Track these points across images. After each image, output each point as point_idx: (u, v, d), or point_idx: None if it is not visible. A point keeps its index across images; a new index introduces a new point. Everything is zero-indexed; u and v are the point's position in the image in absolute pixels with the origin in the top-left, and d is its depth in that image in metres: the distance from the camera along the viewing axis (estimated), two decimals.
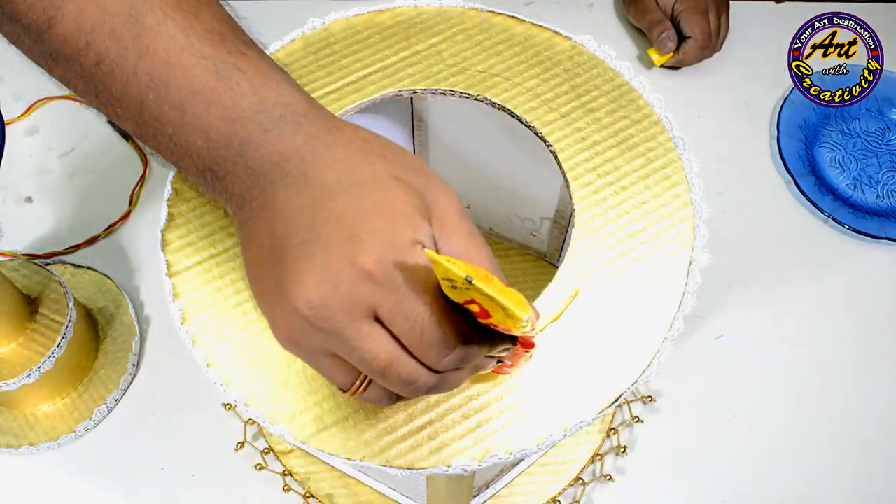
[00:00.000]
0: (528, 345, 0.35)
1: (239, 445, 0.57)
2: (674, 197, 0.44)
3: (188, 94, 0.32)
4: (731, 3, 0.76)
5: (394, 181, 0.30)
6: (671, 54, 0.72)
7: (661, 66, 0.74)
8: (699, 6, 0.71)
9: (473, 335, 0.30)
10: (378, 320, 0.29)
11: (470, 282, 0.26)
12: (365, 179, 0.30)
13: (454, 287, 0.28)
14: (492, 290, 0.26)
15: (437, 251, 0.30)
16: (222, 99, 0.32)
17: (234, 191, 0.32)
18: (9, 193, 0.69)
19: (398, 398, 0.33)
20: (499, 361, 0.36)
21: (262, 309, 0.32)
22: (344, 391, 0.32)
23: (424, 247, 0.29)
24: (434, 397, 0.38)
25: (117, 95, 0.33)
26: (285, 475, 0.56)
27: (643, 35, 0.76)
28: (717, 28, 0.73)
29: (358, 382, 0.32)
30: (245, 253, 0.32)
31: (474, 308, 0.29)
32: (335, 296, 0.28)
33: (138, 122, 0.33)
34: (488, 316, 0.29)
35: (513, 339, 0.32)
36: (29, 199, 0.69)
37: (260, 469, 0.56)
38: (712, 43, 0.73)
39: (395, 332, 0.29)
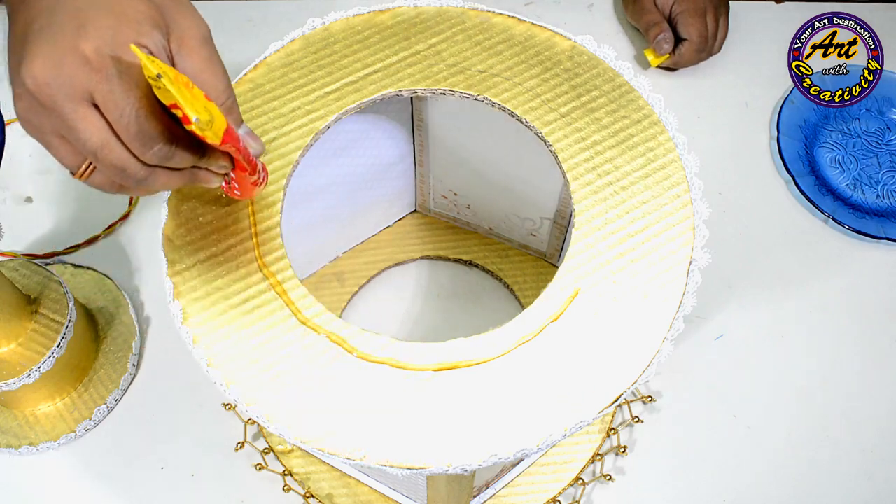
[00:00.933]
0: (243, 168, 0.36)
1: (239, 445, 0.57)
2: (674, 197, 0.44)
3: None
4: (730, 3, 0.76)
5: None
6: (667, 56, 0.72)
7: (658, 67, 0.74)
8: (697, 8, 0.71)
9: (182, 139, 0.34)
10: (96, 107, 0.32)
11: (159, 77, 0.30)
12: None
13: (159, 88, 0.31)
14: (174, 88, 0.30)
15: (173, 66, 0.34)
16: None
17: None
18: (9, 193, 0.69)
19: (120, 188, 0.36)
20: (227, 183, 0.38)
21: (12, 85, 0.34)
22: (73, 174, 0.35)
23: (149, 50, 0.33)
24: (431, 395, 0.38)
25: None
26: (285, 475, 0.56)
27: (643, 35, 0.76)
28: (715, 31, 0.73)
29: (84, 166, 0.34)
30: (8, 43, 0.35)
31: (178, 112, 0.31)
32: (58, 76, 0.31)
33: None
34: (189, 122, 0.31)
35: (231, 159, 0.35)
36: (29, 199, 0.69)
37: (260, 469, 0.57)
38: (709, 46, 0.73)
39: (109, 118, 0.32)
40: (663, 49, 0.72)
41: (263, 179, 0.39)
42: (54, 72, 0.31)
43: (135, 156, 0.33)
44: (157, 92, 0.32)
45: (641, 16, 0.74)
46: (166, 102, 0.32)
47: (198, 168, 0.36)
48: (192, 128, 0.31)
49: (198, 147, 0.34)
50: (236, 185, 0.38)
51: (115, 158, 0.33)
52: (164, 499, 0.57)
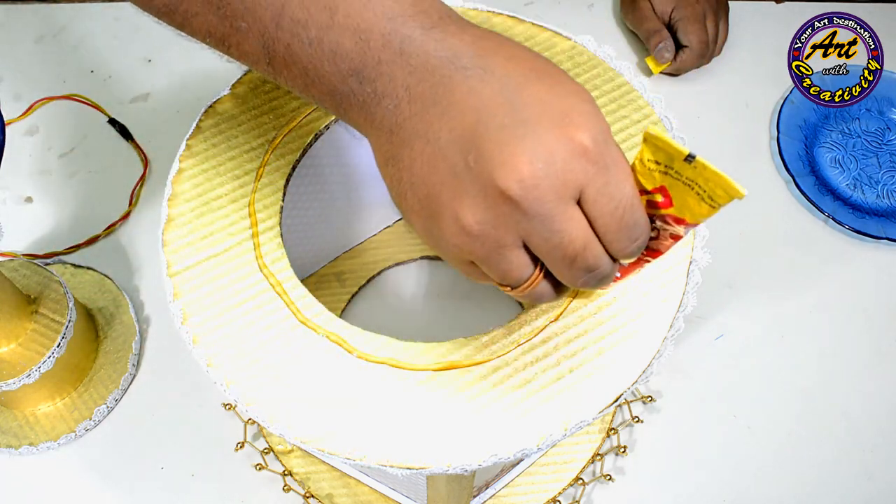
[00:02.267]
0: (657, 253, 0.34)
1: (239, 445, 0.57)
2: None
3: None
4: (730, 3, 0.76)
5: (571, 79, 0.31)
6: (668, 63, 0.73)
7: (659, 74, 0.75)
8: (696, 14, 0.71)
9: (650, 226, 0.31)
10: (578, 203, 0.29)
11: (692, 158, 0.28)
12: (550, 73, 0.30)
13: (651, 171, 0.29)
14: (713, 166, 0.28)
15: None
16: None
17: (387, 91, 0.30)
18: (9, 193, 0.69)
19: (559, 295, 0.33)
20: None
21: (428, 208, 0.30)
22: (513, 287, 0.32)
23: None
24: (431, 395, 0.38)
25: (252, 3, 0.32)
26: (285, 475, 0.56)
27: (643, 43, 0.76)
28: (715, 36, 0.73)
29: (536, 273, 0.31)
30: (403, 153, 0.31)
31: (657, 197, 0.30)
32: (550, 174, 0.28)
33: (270, 29, 0.32)
34: (671, 205, 0.30)
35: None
36: (29, 199, 0.69)
37: (260, 469, 0.57)
38: (709, 51, 0.73)
39: (596, 212, 0.29)
40: (664, 57, 0.72)
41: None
42: (545, 169, 0.28)
43: (607, 252, 0.30)
44: (644, 176, 0.30)
45: (641, 23, 0.74)
46: (649, 187, 0.30)
47: None
48: (671, 212, 0.30)
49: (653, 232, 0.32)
50: (618, 273, 0.35)
51: (593, 258, 0.30)
52: (164, 499, 0.57)
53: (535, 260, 0.31)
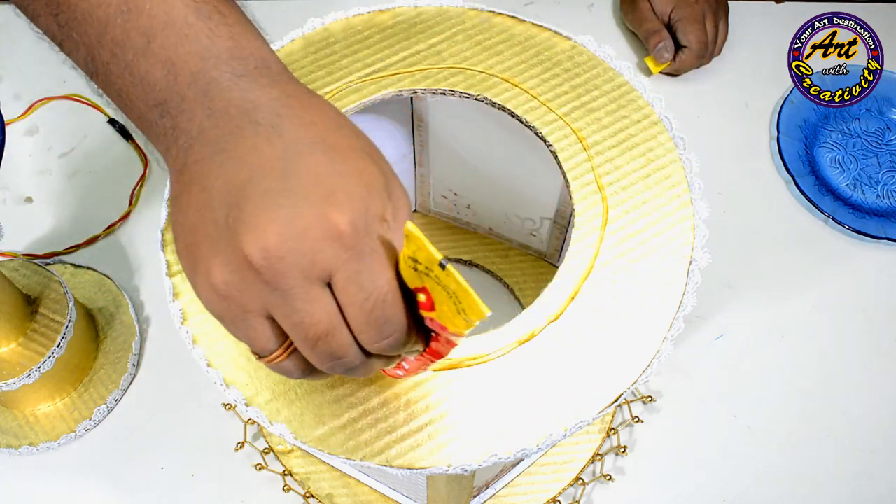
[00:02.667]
0: (437, 355, 0.32)
1: (239, 445, 0.57)
2: (674, 197, 0.44)
3: (162, 24, 0.30)
4: (730, 3, 0.76)
5: (369, 158, 0.30)
6: (668, 63, 0.73)
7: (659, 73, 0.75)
8: (696, 15, 0.71)
9: (412, 326, 0.29)
10: (328, 287, 0.28)
11: (444, 266, 0.26)
12: (342, 148, 0.29)
13: (415, 269, 0.27)
14: (462, 280, 0.26)
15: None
16: (198, 36, 0.30)
17: (185, 128, 0.30)
18: (9, 193, 0.69)
19: (311, 374, 0.31)
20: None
21: (189, 257, 0.29)
22: (259, 357, 0.30)
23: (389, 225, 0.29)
24: (432, 395, 0.38)
25: (81, 16, 0.32)
26: (285, 475, 0.56)
27: (643, 43, 0.76)
28: (714, 36, 0.73)
29: (281, 350, 0.30)
30: (182, 195, 0.30)
31: (421, 297, 0.28)
32: (296, 249, 0.27)
33: (94, 45, 0.32)
34: (432, 309, 0.28)
35: (425, 342, 0.31)
36: (29, 199, 0.69)
37: (260, 469, 0.56)
38: (709, 52, 0.73)
39: (345, 300, 0.28)
40: (664, 58, 0.72)
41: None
42: (294, 244, 0.27)
43: (357, 344, 0.29)
44: (407, 273, 0.28)
45: (641, 24, 0.74)
46: (412, 285, 0.28)
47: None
48: (433, 315, 0.28)
49: (418, 335, 0.30)
50: (405, 366, 0.34)
51: (337, 346, 0.28)
52: (164, 499, 0.57)
53: (286, 335, 0.29)
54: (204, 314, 0.40)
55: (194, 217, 0.29)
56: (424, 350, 0.31)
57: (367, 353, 0.30)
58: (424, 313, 0.29)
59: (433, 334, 0.30)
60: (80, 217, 0.67)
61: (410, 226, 0.27)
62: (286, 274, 0.27)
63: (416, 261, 0.27)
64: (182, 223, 0.29)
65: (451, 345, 0.30)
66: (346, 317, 0.28)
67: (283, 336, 0.29)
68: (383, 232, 0.28)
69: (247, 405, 0.38)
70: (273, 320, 0.29)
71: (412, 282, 0.28)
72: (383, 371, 0.35)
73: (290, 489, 0.56)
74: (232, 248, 0.27)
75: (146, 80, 0.31)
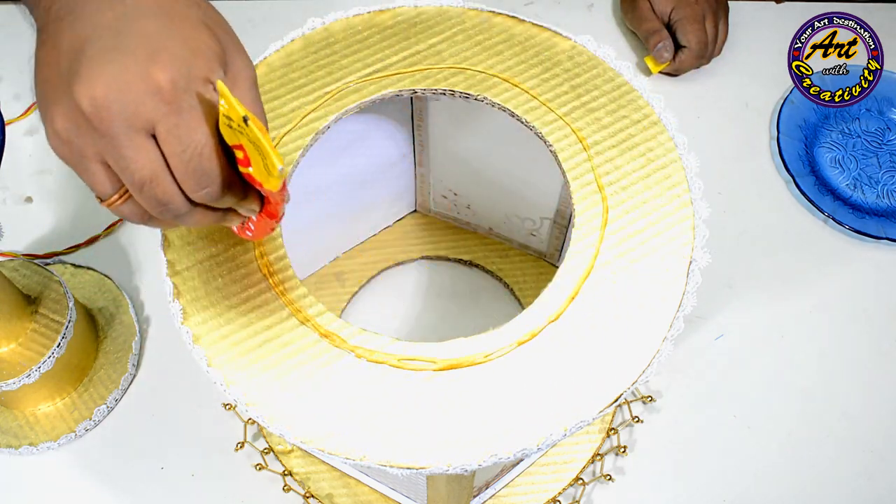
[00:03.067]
0: (272, 214, 0.35)
1: (239, 445, 0.57)
2: (674, 197, 0.44)
3: None
4: (730, 3, 0.76)
5: (204, 27, 0.33)
6: (667, 63, 0.73)
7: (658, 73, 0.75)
8: (696, 15, 0.71)
9: (234, 180, 0.33)
10: (154, 138, 0.31)
11: (246, 121, 0.29)
12: (178, 15, 0.32)
13: (230, 126, 0.30)
14: (261, 135, 0.29)
15: None
16: None
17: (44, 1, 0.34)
18: (9, 193, 0.69)
19: (149, 220, 0.34)
20: (243, 223, 0.37)
21: (41, 106, 0.32)
22: (101, 200, 0.34)
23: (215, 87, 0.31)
24: (431, 395, 0.38)
25: None
26: (285, 475, 0.56)
27: (643, 43, 0.76)
28: (714, 36, 0.73)
29: (117, 195, 0.33)
30: (39, 53, 0.33)
31: (239, 154, 0.31)
32: (120, 100, 0.30)
33: None
34: (248, 164, 0.31)
35: (261, 203, 0.35)
36: (29, 199, 0.69)
37: (260, 469, 0.57)
38: (708, 52, 0.73)
39: (167, 151, 0.31)
40: (663, 57, 0.72)
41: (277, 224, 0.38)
42: (118, 96, 0.30)
43: (182, 192, 0.32)
44: (224, 131, 0.31)
45: (640, 23, 0.74)
46: (230, 142, 0.31)
47: (230, 209, 0.35)
48: (251, 171, 0.31)
49: (240, 189, 0.34)
50: (251, 227, 0.37)
51: (161, 193, 0.32)
52: (164, 499, 0.57)
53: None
54: (204, 314, 0.40)
55: (45, 70, 0.32)
56: (261, 210, 0.35)
57: (193, 203, 0.33)
58: (242, 169, 0.32)
59: (266, 196, 0.34)
60: (80, 217, 0.67)
61: (220, 84, 0.30)
62: (112, 122, 0.30)
63: (229, 118, 0.30)
64: (38, 75, 0.33)
65: (278, 203, 0.34)
66: (169, 166, 0.31)
67: (119, 182, 0.33)
68: (205, 93, 0.31)
69: (247, 405, 0.38)
70: (109, 166, 0.32)
71: (230, 139, 0.31)
72: (235, 231, 0.37)
73: (290, 489, 0.56)
74: (67, 97, 0.31)
75: None
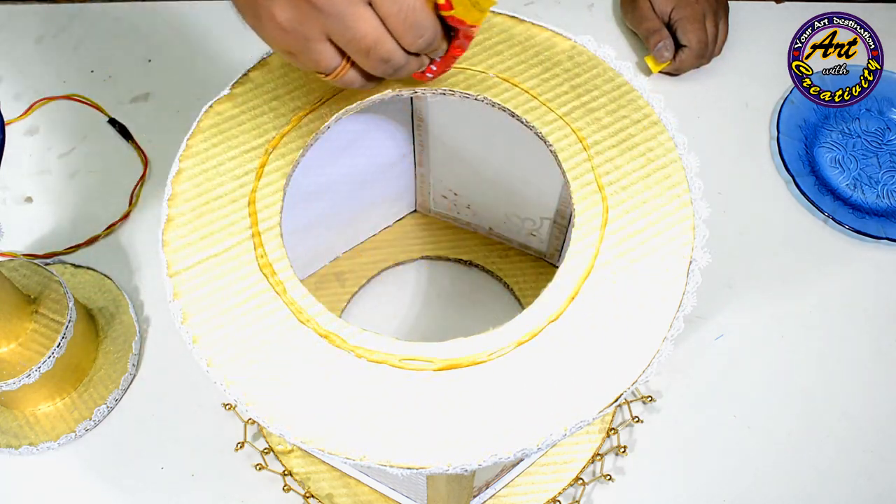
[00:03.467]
0: (459, 50, 0.40)
1: (239, 445, 0.57)
2: (674, 197, 0.44)
3: None
4: (730, 3, 0.76)
5: None
6: (668, 62, 0.73)
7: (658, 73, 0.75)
8: (696, 14, 0.71)
9: (440, 26, 0.37)
10: (370, 6, 0.35)
11: None
12: None
13: None
14: None
15: None
16: None
17: None
18: (9, 193, 0.69)
19: (368, 80, 0.39)
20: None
21: (252, 8, 0.36)
22: (326, 75, 0.38)
23: None
24: (431, 395, 0.38)
25: None
26: (285, 475, 0.56)
27: (643, 42, 0.76)
28: (715, 36, 0.73)
29: (343, 63, 0.37)
30: None
31: (440, 1, 0.36)
32: None
33: None
34: (451, 7, 0.36)
35: (448, 44, 0.40)
36: (29, 199, 0.69)
37: (260, 469, 0.57)
38: (709, 51, 0.73)
39: (383, 13, 0.35)
40: (664, 57, 0.72)
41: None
42: None
43: (400, 46, 0.36)
44: None
45: (641, 23, 0.74)
46: None
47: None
48: (453, 13, 0.36)
49: (446, 32, 0.38)
50: (433, 68, 0.42)
51: (385, 52, 0.36)
52: (164, 499, 0.57)
53: (344, 53, 0.37)
54: (204, 314, 0.40)
55: None
56: (447, 51, 0.40)
57: (408, 53, 0.38)
58: (444, 13, 0.36)
59: (453, 35, 0.39)
60: (80, 217, 0.67)
61: None
62: (335, 1, 0.34)
63: None
64: None
65: (469, 38, 0.39)
66: (388, 27, 0.36)
67: (341, 54, 0.37)
68: None
69: (247, 405, 0.38)
70: (331, 42, 0.36)
71: None
72: (415, 76, 0.42)
73: (290, 489, 0.56)
74: None
75: None
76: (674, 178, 0.44)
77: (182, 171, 0.44)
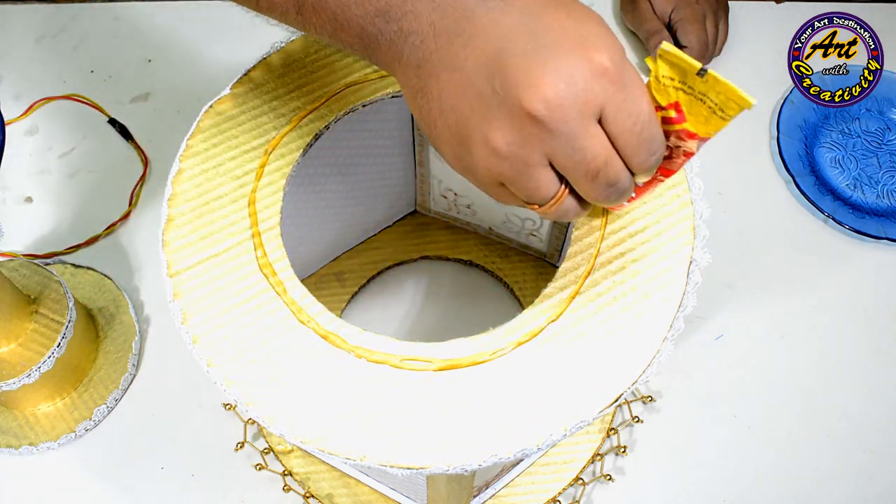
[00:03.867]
0: (669, 172, 0.36)
1: (239, 445, 0.57)
2: (674, 197, 0.44)
3: None
4: (730, 3, 0.76)
5: (584, 7, 0.33)
6: None
7: None
8: (696, 15, 0.71)
9: (665, 141, 0.33)
10: (599, 122, 0.31)
11: (704, 72, 0.30)
12: (566, 3, 0.32)
13: (665, 87, 0.32)
14: (723, 79, 0.30)
15: None
16: None
17: (412, 28, 0.32)
18: (9, 193, 0.69)
19: (583, 209, 0.35)
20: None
21: (458, 135, 0.32)
22: (540, 205, 0.33)
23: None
24: (431, 395, 0.38)
25: None
26: (285, 475, 0.56)
27: (643, 43, 0.76)
28: (715, 37, 0.72)
29: (561, 190, 0.33)
30: (430, 86, 0.32)
31: (671, 113, 0.33)
32: (571, 94, 0.30)
33: None
34: (684, 120, 0.32)
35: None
36: (29, 200, 0.69)
37: (260, 469, 0.56)
38: (709, 52, 0.72)
39: (616, 129, 0.31)
40: None
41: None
42: (567, 89, 0.30)
43: (626, 168, 0.33)
44: (658, 92, 0.32)
45: (641, 24, 0.74)
46: (663, 102, 0.33)
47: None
48: (685, 126, 0.33)
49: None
50: (632, 193, 0.36)
51: (612, 173, 0.32)
52: (164, 499, 0.57)
53: (561, 178, 0.33)
54: (204, 314, 0.40)
55: (452, 98, 0.32)
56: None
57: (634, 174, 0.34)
58: (676, 127, 0.33)
59: (666, 151, 0.35)
60: (80, 217, 0.67)
61: (666, 45, 0.31)
62: (567, 118, 0.30)
63: (671, 78, 0.32)
64: (439, 108, 0.32)
65: (688, 156, 0.35)
66: (616, 145, 0.32)
67: (560, 179, 0.33)
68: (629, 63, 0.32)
69: (247, 405, 0.38)
70: (551, 167, 0.32)
71: (664, 100, 0.32)
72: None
73: (290, 489, 0.56)
74: (509, 109, 0.30)
75: None
76: (674, 178, 0.44)
77: (182, 171, 0.44)
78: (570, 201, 0.34)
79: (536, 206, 0.34)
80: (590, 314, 0.40)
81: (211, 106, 0.46)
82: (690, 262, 0.42)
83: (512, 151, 0.31)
